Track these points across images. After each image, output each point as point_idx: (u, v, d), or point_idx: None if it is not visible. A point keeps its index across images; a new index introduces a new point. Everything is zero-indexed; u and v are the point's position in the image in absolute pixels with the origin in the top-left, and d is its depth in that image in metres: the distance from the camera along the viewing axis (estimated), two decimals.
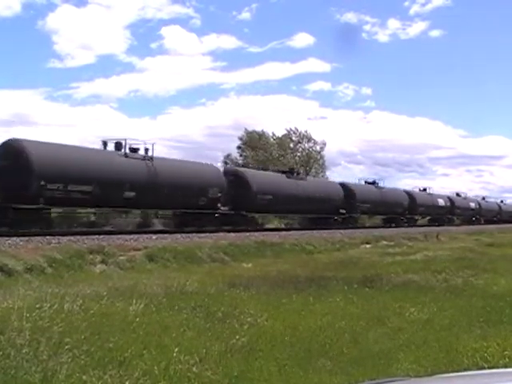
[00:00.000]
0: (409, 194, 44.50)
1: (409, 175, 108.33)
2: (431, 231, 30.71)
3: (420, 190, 48.79)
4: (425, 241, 26.03)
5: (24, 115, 64.02)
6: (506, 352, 5.38)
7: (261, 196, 27.22)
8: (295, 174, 32.98)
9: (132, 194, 21.19)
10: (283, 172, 32.07)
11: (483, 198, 63.07)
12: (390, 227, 37.41)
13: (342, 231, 27.72)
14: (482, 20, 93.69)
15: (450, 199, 51.32)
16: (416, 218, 44.78)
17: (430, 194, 48.66)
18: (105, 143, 22.57)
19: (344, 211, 34.28)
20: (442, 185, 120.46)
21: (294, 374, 4.92)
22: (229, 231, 22.40)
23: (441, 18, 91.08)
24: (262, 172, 31.51)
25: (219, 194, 25.22)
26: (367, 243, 23.44)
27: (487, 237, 30.61)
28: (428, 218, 47.34)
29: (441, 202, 48.99)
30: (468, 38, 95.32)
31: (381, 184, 41.35)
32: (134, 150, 22.71)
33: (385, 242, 23.84)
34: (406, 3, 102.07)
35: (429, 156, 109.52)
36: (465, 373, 2.23)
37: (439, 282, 10.53)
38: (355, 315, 7.35)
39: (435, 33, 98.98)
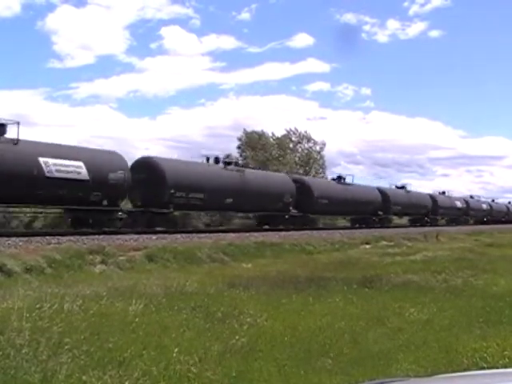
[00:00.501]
0: (432, 197, 49.00)
1: (409, 175, 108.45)
2: (431, 231, 30.71)
3: (439, 193, 52.82)
4: (424, 241, 26.04)
5: (24, 115, 63.93)
6: (505, 352, 5.38)
7: (320, 200, 32.34)
8: (343, 180, 37.99)
9: (230, 200, 26.04)
10: (333, 179, 38.34)
11: (493, 200, 66.37)
12: (416, 226, 40.87)
13: (341, 231, 27.74)
14: (481, 20, 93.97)
15: (465, 201, 55.33)
16: (438, 218, 48.78)
17: (448, 196, 53.02)
18: (208, 158, 27.84)
19: (381, 212, 39.92)
20: (442, 185, 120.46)
21: (294, 375, 4.92)
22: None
23: (440, 18, 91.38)
24: (320, 180, 40.00)
25: (290, 199, 30.26)
26: (367, 243, 23.44)
27: (487, 237, 30.62)
28: (446, 218, 51.05)
29: (458, 203, 52.80)
30: (467, 38, 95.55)
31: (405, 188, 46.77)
32: (229, 164, 28.35)
33: (384, 243, 23.84)
34: (406, 3, 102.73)
35: (429, 156, 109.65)
36: (465, 373, 2.23)
37: (439, 283, 10.54)
38: (355, 315, 7.35)
39: (434, 33, 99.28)
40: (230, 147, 54.66)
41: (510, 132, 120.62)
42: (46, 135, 73.35)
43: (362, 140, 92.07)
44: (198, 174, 25.18)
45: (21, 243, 13.72)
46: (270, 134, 52.98)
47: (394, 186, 45.45)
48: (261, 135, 52.32)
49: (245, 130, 52.93)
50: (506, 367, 4.72)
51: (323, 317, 7.13)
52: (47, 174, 18.36)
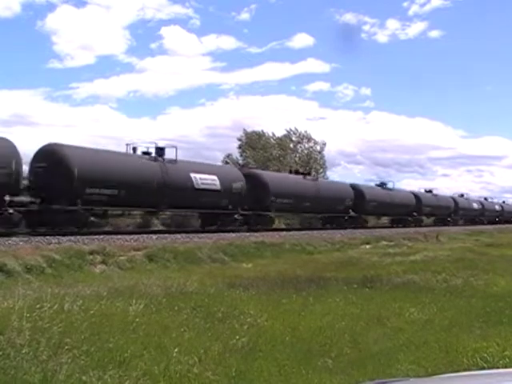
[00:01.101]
0: (454, 199, 53.45)
1: (409, 175, 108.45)
2: (431, 231, 30.72)
3: (459, 195, 56.40)
4: (425, 241, 26.05)
5: (24, 115, 63.98)
6: (505, 352, 5.38)
7: (370, 203, 36.58)
8: (385, 186, 40.97)
9: (308, 203, 30.54)
10: (377, 185, 40.73)
11: (504, 202, 70.08)
12: (441, 226, 42.55)
13: (341, 231, 27.75)
14: (481, 20, 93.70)
15: (481, 203, 58.84)
16: (458, 218, 51.84)
17: (466, 199, 56.62)
18: (290, 171, 34.09)
19: (416, 214, 43.34)
20: (442, 185, 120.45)
21: (294, 375, 4.92)
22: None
23: (440, 18, 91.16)
24: (368, 185, 40.80)
25: (351, 202, 34.84)
26: (367, 244, 23.45)
27: (487, 237, 30.63)
28: (464, 218, 53.74)
29: (475, 205, 56.61)
30: (467, 39, 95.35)
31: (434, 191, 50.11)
32: (309, 174, 34.76)
33: (385, 243, 23.84)
34: (405, 4, 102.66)
35: (429, 156, 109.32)
36: (465, 373, 2.23)
37: (439, 283, 10.54)
38: (355, 315, 7.36)
39: (434, 33, 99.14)
40: (230, 147, 54.74)
41: (509, 132, 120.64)
42: (46, 135, 73.47)
43: (362, 140, 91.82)
44: (290, 183, 29.75)
45: (21, 243, 13.73)
46: (271, 134, 53.03)
47: (423, 190, 49.61)
48: (261, 135, 52.32)
49: (245, 130, 52.98)
50: (506, 367, 4.72)
51: (323, 317, 7.13)
52: (195, 186, 23.58)
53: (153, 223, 26.65)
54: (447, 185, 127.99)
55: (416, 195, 45.41)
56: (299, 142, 53.92)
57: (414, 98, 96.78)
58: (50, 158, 18.93)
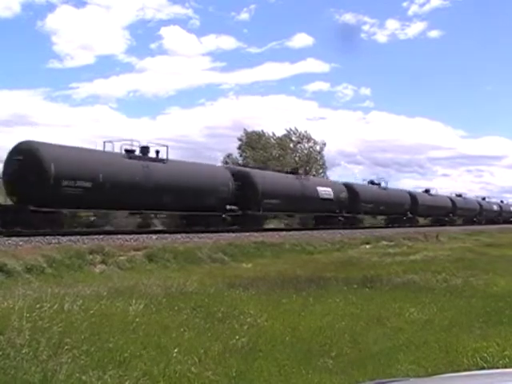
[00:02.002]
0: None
1: (409, 175, 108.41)
2: (431, 231, 30.72)
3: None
4: (425, 241, 26.05)
5: (23, 115, 63.97)
6: (505, 352, 5.38)
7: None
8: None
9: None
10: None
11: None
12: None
13: (341, 231, 27.74)
14: (480, 20, 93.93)
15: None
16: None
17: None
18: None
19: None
20: (442, 185, 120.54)
21: (294, 374, 4.92)
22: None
23: (439, 18, 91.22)
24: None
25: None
26: (367, 243, 23.45)
27: (487, 237, 30.62)
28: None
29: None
30: (467, 39, 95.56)
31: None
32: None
33: (385, 243, 23.84)
34: (405, 4, 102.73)
35: (429, 156, 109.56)
36: (465, 373, 2.23)
37: (439, 283, 10.54)
38: (355, 315, 7.35)
39: (434, 33, 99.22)
40: (230, 147, 54.74)
41: (509, 132, 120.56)
42: (45, 135, 73.38)
43: (361, 140, 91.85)
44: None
45: (21, 243, 13.73)
46: (271, 134, 53.05)
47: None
48: (261, 135, 52.34)
49: (245, 129, 53.01)
50: (506, 367, 4.72)
51: (323, 317, 7.13)
52: (320, 197, 31.97)
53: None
54: (447, 185, 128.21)
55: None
56: (299, 142, 53.97)
57: (414, 98, 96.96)
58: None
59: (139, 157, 22.34)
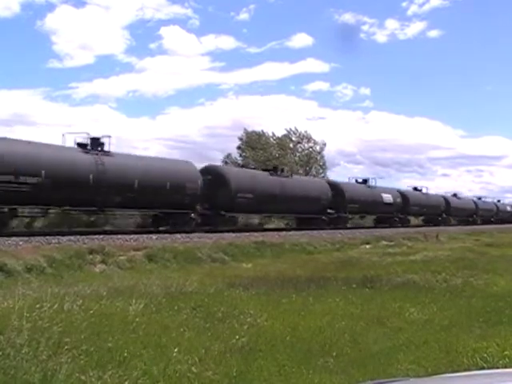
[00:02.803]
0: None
1: (409, 175, 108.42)
2: (431, 231, 30.73)
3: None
4: (425, 241, 26.05)
5: (23, 115, 63.96)
6: (505, 352, 5.38)
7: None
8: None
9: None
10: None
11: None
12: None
13: (341, 231, 27.75)
14: (480, 20, 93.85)
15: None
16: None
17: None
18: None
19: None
20: (442, 185, 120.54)
21: (294, 374, 4.92)
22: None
23: (439, 18, 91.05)
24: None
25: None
26: (367, 243, 23.46)
27: (487, 237, 30.61)
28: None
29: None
30: (466, 38, 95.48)
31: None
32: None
33: (384, 243, 23.85)
34: (404, 4, 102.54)
35: (428, 156, 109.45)
36: (465, 373, 2.23)
37: (439, 283, 10.53)
38: (355, 315, 7.35)
39: (433, 33, 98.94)
40: (230, 147, 54.76)
41: (509, 132, 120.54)
42: (45, 135, 73.36)
43: (361, 140, 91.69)
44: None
45: (21, 243, 13.73)
46: (270, 134, 53.04)
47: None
48: (261, 135, 52.33)
49: (245, 129, 52.99)
50: (506, 367, 4.72)
51: (323, 317, 7.13)
52: (383, 201, 37.93)
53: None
54: (447, 185, 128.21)
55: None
56: (299, 142, 53.94)
57: (413, 98, 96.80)
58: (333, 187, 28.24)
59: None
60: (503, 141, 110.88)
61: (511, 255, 17.72)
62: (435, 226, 42.22)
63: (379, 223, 39.78)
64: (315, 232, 26.24)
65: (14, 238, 14.45)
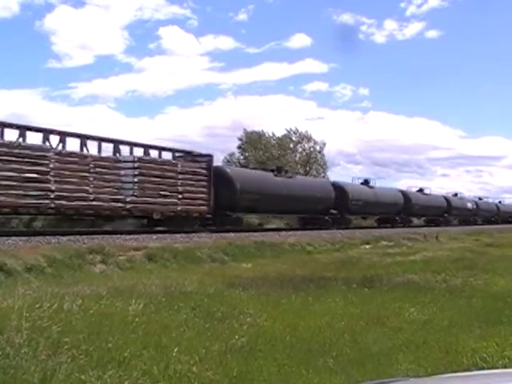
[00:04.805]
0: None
1: (408, 175, 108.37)
2: (431, 231, 30.74)
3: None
4: (424, 241, 26.06)
5: (22, 115, 63.82)
6: (505, 352, 5.38)
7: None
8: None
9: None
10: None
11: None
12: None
13: (341, 231, 27.75)
14: (479, 20, 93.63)
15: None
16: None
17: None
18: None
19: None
20: (442, 185, 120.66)
21: (294, 374, 4.92)
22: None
23: (437, 18, 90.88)
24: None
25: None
26: (367, 243, 23.45)
27: (486, 237, 30.60)
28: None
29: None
30: (465, 39, 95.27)
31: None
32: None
33: (384, 243, 23.85)
34: (403, 4, 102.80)
35: (428, 156, 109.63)
36: (465, 373, 2.23)
37: (439, 283, 10.53)
38: (355, 315, 7.35)
39: (432, 33, 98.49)
40: (230, 147, 54.73)
41: (508, 132, 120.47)
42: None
43: (360, 140, 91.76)
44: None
45: (21, 242, 13.72)
46: (270, 134, 53.05)
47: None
48: (261, 135, 52.34)
49: (245, 129, 53.01)
50: (505, 367, 4.72)
51: (323, 317, 7.13)
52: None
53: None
54: (446, 185, 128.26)
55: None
56: (299, 142, 53.96)
57: (412, 98, 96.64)
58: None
59: None
60: (502, 141, 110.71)
61: (511, 255, 17.72)
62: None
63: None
64: (315, 232, 26.24)
65: (13, 238, 14.44)
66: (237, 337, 5.83)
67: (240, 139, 51.99)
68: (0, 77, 75.56)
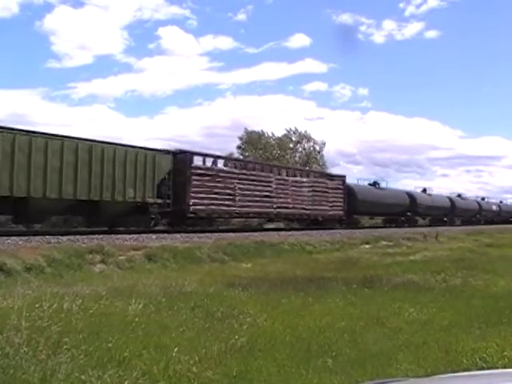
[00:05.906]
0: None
1: (408, 176, 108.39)
2: (430, 232, 30.73)
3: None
4: (424, 241, 26.06)
5: (22, 115, 63.84)
6: (505, 352, 5.37)
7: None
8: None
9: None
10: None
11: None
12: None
13: (341, 231, 27.74)
14: (478, 20, 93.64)
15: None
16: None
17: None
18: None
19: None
20: (442, 185, 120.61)
21: (294, 374, 4.91)
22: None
23: (436, 18, 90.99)
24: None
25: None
26: (367, 243, 23.45)
27: (486, 237, 30.60)
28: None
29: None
30: (464, 39, 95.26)
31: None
32: None
33: (384, 243, 23.85)
34: (402, 4, 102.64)
35: (428, 156, 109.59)
36: (465, 373, 2.22)
37: (438, 283, 10.53)
38: (354, 316, 7.35)
39: (431, 33, 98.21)
40: (229, 147, 54.65)
41: (508, 132, 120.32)
42: None
43: (360, 140, 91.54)
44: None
45: (21, 242, 13.73)
46: (270, 134, 53.06)
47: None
48: (261, 135, 52.35)
49: (246, 129, 53.03)
50: (505, 367, 4.71)
51: (323, 317, 7.13)
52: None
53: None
54: (446, 185, 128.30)
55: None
56: (299, 142, 53.95)
57: (412, 98, 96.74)
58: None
59: None
60: (502, 141, 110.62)
61: (511, 255, 17.73)
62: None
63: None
64: (315, 232, 26.26)
65: (13, 238, 14.45)
66: (236, 337, 5.83)
67: (241, 139, 52.05)
68: (0, 77, 75.58)
